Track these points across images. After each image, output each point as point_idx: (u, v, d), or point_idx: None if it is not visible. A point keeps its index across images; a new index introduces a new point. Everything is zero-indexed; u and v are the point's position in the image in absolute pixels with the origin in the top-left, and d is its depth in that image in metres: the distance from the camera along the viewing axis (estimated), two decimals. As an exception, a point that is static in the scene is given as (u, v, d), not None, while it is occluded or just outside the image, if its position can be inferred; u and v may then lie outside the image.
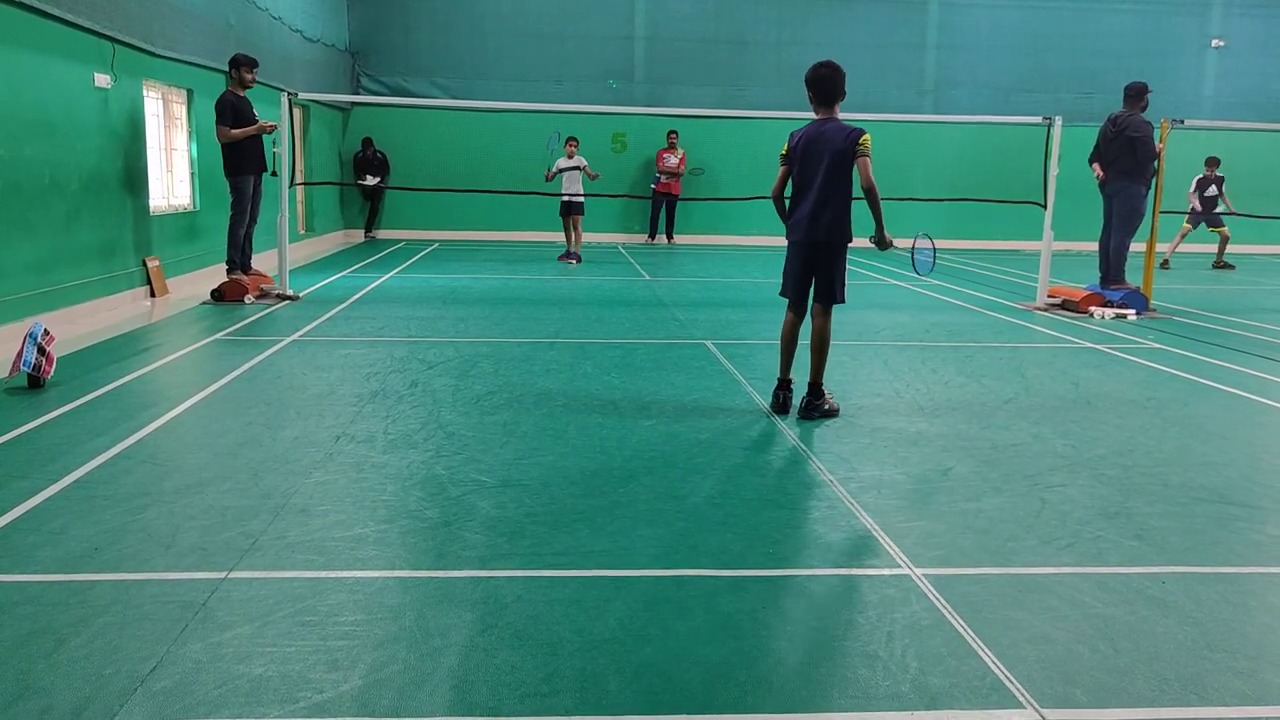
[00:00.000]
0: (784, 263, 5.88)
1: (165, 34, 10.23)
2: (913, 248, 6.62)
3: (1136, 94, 10.26)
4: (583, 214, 15.00)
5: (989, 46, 20.03)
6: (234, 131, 9.85)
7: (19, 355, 5.92)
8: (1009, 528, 3.99)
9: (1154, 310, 10.43)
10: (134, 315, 8.95)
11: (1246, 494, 4.50)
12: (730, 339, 8.32)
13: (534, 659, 2.84)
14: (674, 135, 18.65)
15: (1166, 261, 16.39)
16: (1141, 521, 4.10)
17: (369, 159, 18.52)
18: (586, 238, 17.00)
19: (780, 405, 5.80)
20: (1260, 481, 4.71)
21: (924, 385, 6.68)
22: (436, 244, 18.01)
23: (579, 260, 14.83)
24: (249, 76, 10.12)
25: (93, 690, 2.63)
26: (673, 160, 18.63)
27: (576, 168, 14.64)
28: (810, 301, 5.84)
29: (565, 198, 14.76)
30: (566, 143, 14.97)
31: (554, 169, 14.76)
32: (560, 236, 15.71)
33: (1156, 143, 10.23)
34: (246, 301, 9.79)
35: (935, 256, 6.68)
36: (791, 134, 5.78)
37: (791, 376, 5.89)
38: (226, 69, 10.44)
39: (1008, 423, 5.69)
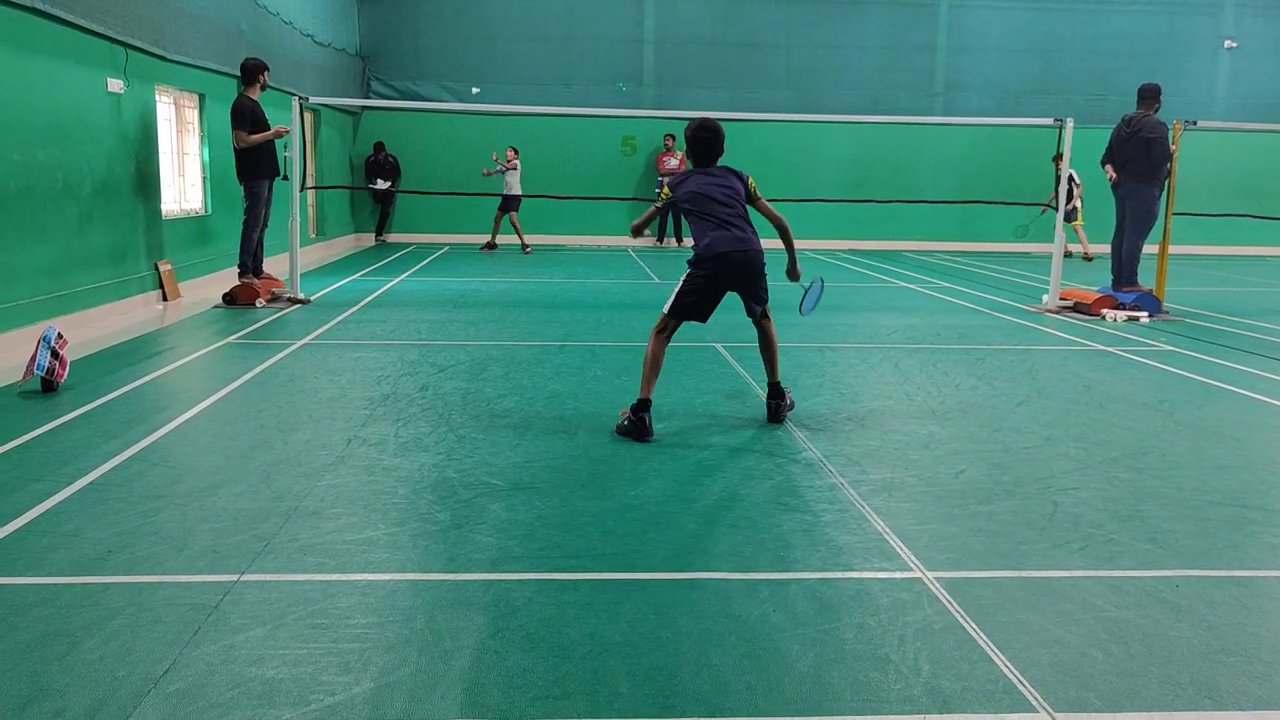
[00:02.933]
0: (688, 289, 5.58)
1: (177, 39, 10.29)
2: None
3: (1152, 95, 10.20)
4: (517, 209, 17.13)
5: (999, 48, 20.00)
6: (253, 137, 9.89)
7: (32, 359, 5.95)
8: (1021, 531, 3.98)
9: (1166, 312, 10.39)
10: (146, 319, 8.99)
11: (1261, 497, 4.47)
12: (740, 342, 8.31)
13: (545, 662, 2.84)
14: (671, 139, 18.69)
15: (1089, 256, 17.70)
16: (1155, 525, 4.08)
17: (381, 163, 18.57)
18: (597, 241, 18.59)
19: (647, 428, 5.33)
20: (1275, 485, 4.68)
21: (935, 388, 6.66)
22: (447, 247, 18.06)
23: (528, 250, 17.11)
24: (266, 77, 10.18)
25: (106, 692, 2.64)
26: (672, 163, 18.67)
27: (514, 168, 16.88)
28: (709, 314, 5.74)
29: (521, 196, 16.73)
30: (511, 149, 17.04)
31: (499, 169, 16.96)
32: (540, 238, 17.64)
33: (1170, 144, 10.20)
34: (258, 305, 9.83)
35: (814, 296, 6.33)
36: (670, 179, 5.79)
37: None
38: (238, 75, 10.48)
39: (1019, 425, 5.68)
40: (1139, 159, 10.09)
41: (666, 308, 5.64)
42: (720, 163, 5.79)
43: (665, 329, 5.63)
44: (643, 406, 5.37)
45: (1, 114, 7.24)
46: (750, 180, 5.82)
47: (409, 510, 4.09)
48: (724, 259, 5.50)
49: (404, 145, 18.87)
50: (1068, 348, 8.39)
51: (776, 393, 5.72)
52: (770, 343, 5.77)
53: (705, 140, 5.76)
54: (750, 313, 5.75)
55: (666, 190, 5.76)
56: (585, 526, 3.93)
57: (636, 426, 5.32)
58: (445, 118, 18.60)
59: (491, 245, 17.44)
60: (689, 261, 5.65)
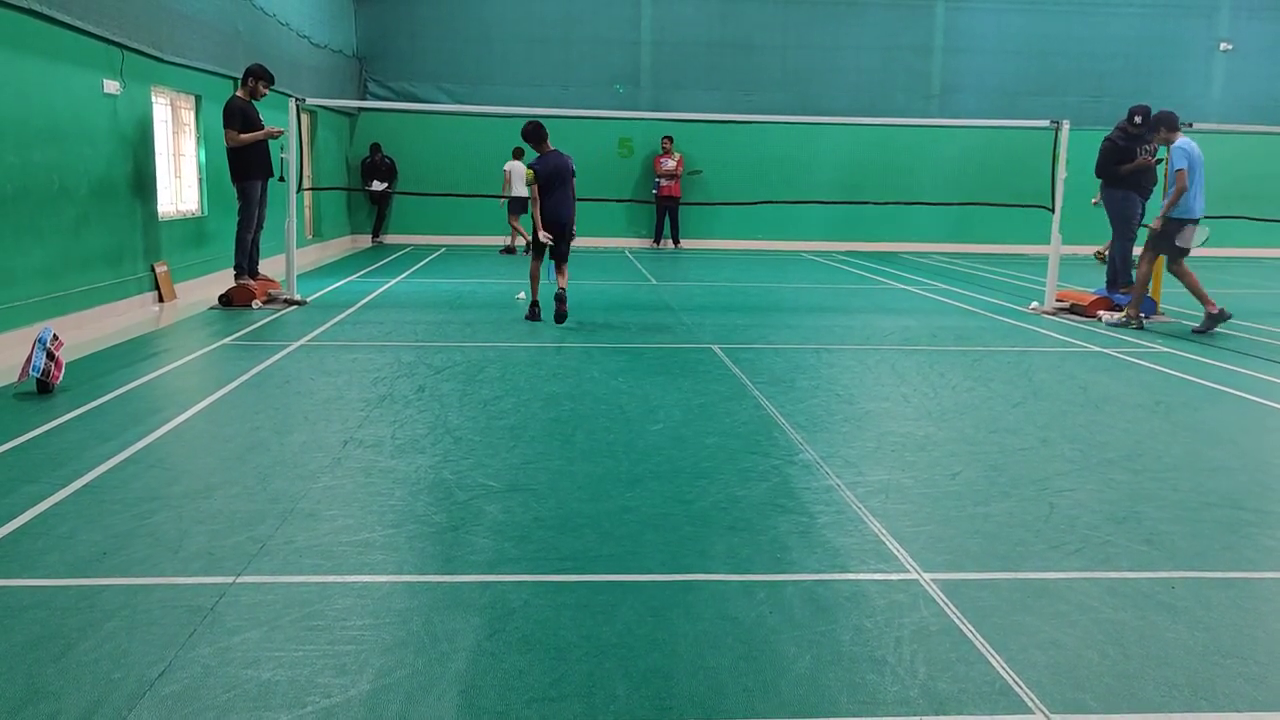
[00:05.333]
0: (536, 234, 9.27)
1: (173, 40, 10.27)
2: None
3: (1132, 113, 10.45)
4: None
5: (995, 50, 20.02)
6: (243, 136, 9.88)
7: (28, 360, 5.94)
8: (1017, 532, 3.98)
9: (1162, 314, 10.41)
10: (142, 320, 8.98)
11: (1257, 499, 4.48)
12: (737, 343, 8.32)
13: (541, 664, 2.84)
14: (668, 141, 18.69)
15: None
16: (1151, 526, 4.08)
17: (377, 164, 18.55)
18: (594, 243, 18.30)
19: (538, 316, 9.35)
20: (1271, 486, 4.69)
21: (931, 389, 6.67)
22: (443, 249, 18.04)
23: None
24: (263, 90, 10.15)
25: (101, 695, 2.63)
26: (669, 164, 18.67)
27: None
28: (549, 259, 9.39)
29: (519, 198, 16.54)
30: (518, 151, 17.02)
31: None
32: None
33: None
34: (254, 306, 9.82)
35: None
36: (534, 164, 9.21)
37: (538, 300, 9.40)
38: (236, 75, 10.47)
39: (1016, 427, 5.68)
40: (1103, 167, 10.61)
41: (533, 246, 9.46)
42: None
43: (538, 256, 9.47)
44: (534, 304, 9.47)
45: (-3, 115, 7.24)
46: (573, 166, 9.29)
47: (405, 512, 4.08)
48: (555, 221, 9.18)
49: (400, 146, 18.86)
50: (1064, 349, 8.40)
51: (563, 297, 9.10)
52: (566, 279, 9.32)
53: (534, 130, 9.15)
54: (557, 255, 9.32)
55: (531, 173, 9.16)
56: (582, 528, 3.93)
57: (531, 315, 9.41)
58: (442, 119, 18.58)
59: (511, 249, 17.35)
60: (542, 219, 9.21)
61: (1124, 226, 10.46)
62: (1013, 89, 20.02)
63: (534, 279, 9.52)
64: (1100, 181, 10.64)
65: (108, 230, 8.97)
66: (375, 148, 18.61)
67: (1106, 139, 10.53)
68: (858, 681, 2.78)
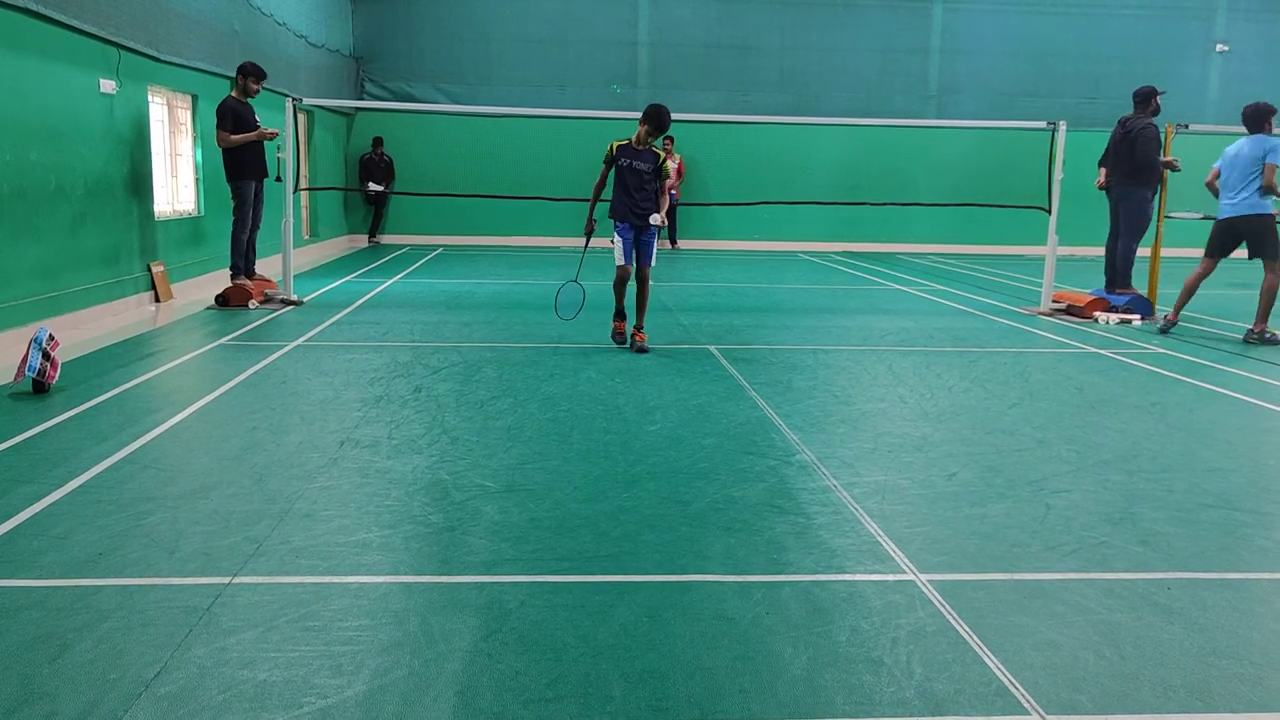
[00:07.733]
0: (621, 240, 8.60)
1: (170, 40, 10.26)
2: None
3: (1143, 98, 10.29)
4: None
5: (993, 51, 20.05)
6: (233, 137, 9.88)
7: (24, 360, 5.93)
8: (1014, 533, 3.99)
9: (1159, 315, 10.41)
10: (138, 320, 8.96)
11: (1253, 500, 4.49)
12: (734, 344, 8.33)
13: (538, 664, 2.84)
14: (670, 141, 18.68)
15: None
16: (1147, 527, 4.09)
17: (376, 160, 18.53)
18: (591, 243, 18.12)
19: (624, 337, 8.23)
20: (1267, 487, 4.69)
21: (928, 390, 6.67)
22: (440, 249, 18.03)
23: None
24: (255, 87, 10.15)
25: (97, 695, 2.63)
26: (670, 166, 18.64)
27: None
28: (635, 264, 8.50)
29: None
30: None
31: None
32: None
33: (1160, 147, 10.26)
34: (250, 307, 9.81)
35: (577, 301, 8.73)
36: (615, 146, 8.75)
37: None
38: (232, 75, 10.47)
39: (1012, 428, 5.69)
40: (1131, 162, 10.13)
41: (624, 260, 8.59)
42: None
43: (623, 270, 8.60)
44: (622, 317, 8.51)
45: (-7, 114, 7.23)
46: (665, 162, 8.86)
47: (402, 512, 4.08)
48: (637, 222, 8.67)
49: (397, 146, 18.85)
50: (1060, 350, 8.41)
51: (640, 327, 8.25)
52: (648, 291, 8.58)
53: (663, 113, 8.76)
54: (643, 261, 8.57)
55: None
56: (578, 529, 3.93)
57: (616, 334, 8.37)
58: (439, 119, 18.58)
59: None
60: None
61: (1140, 226, 10.29)
62: (1010, 90, 20.05)
63: (624, 290, 8.64)
64: (1108, 173, 10.34)
65: (104, 230, 8.96)
66: (378, 141, 18.58)
67: (1142, 130, 10.04)
68: (854, 682, 2.78)
